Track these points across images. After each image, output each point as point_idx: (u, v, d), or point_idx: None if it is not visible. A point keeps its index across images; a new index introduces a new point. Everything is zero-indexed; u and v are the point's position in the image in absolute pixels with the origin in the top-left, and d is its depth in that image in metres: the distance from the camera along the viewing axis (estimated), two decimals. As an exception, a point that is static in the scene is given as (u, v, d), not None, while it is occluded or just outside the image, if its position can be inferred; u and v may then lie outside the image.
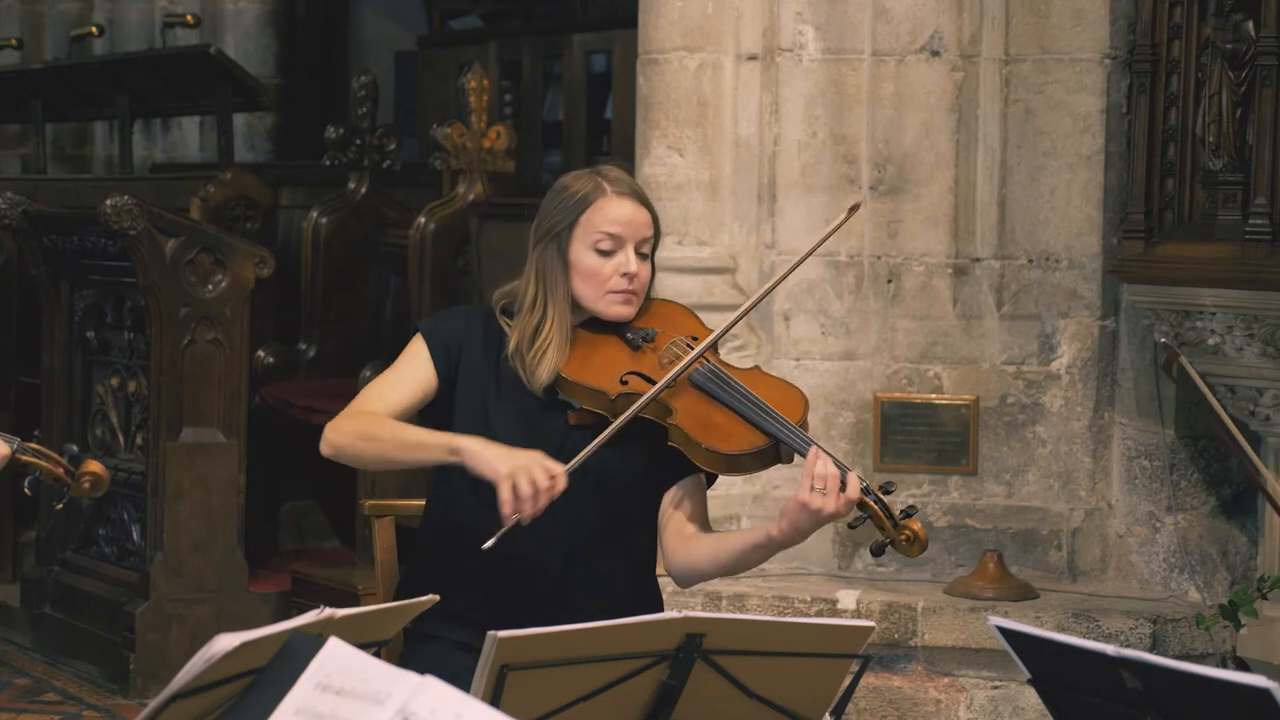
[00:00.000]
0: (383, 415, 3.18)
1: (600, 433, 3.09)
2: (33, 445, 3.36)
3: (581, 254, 3.20)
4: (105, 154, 9.61)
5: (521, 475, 2.97)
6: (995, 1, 5.03)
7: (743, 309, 3.29)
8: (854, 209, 3.32)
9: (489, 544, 3.00)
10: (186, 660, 2.09)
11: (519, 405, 3.21)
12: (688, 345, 3.22)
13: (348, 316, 6.95)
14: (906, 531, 3.02)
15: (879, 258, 5.10)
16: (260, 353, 6.72)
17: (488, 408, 3.22)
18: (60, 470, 3.36)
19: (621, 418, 3.09)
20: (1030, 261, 5.07)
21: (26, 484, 3.36)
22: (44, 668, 6.01)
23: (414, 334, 3.30)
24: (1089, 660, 2.34)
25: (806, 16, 5.11)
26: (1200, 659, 4.63)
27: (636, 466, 3.20)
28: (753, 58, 5.19)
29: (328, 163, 6.99)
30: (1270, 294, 4.33)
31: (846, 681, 2.73)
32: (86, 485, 3.37)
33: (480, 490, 3.09)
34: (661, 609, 3.28)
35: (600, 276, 3.20)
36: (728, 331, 3.21)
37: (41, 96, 8.85)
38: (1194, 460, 4.97)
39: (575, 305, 3.24)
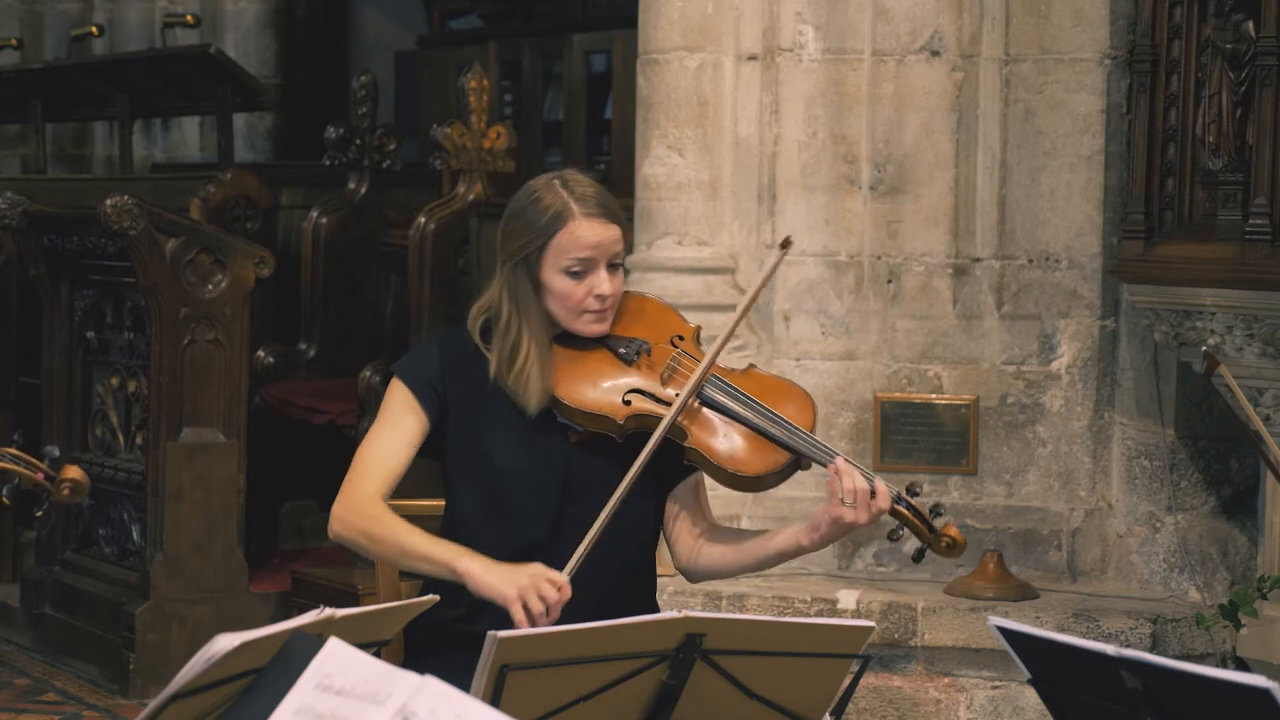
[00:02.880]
0: (385, 509, 3.14)
1: (603, 451, 3.08)
2: (11, 451, 3.32)
3: (553, 277, 3.15)
4: (105, 154, 9.60)
5: (531, 595, 2.95)
6: (995, 1, 5.03)
7: (740, 311, 3.25)
8: (785, 244, 3.28)
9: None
10: (186, 660, 2.09)
11: (516, 430, 3.16)
12: (686, 355, 3.19)
13: (348, 316, 6.94)
14: (945, 539, 3.07)
15: (879, 258, 5.10)
16: (260, 353, 6.72)
17: (484, 438, 3.17)
18: (40, 476, 3.32)
19: (642, 456, 3.03)
20: (1030, 261, 5.07)
21: (4, 492, 3.32)
22: (44, 668, 6.01)
23: (389, 378, 3.24)
24: (1089, 660, 2.34)
25: (806, 16, 5.11)
26: (1200, 659, 4.63)
27: (641, 481, 3.15)
28: (753, 58, 5.19)
29: (328, 163, 6.99)
30: (1270, 294, 4.33)
31: (846, 681, 2.73)
32: (66, 492, 3.34)
33: (494, 523, 3.11)
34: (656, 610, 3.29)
35: (574, 299, 3.15)
36: (728, 341, 3.17)
37: (41, 96, 8.84)
38: (1194, 460, 4.97)
39: (551, 319, 3.20)
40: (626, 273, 3.46)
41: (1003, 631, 2.47)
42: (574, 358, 3.18)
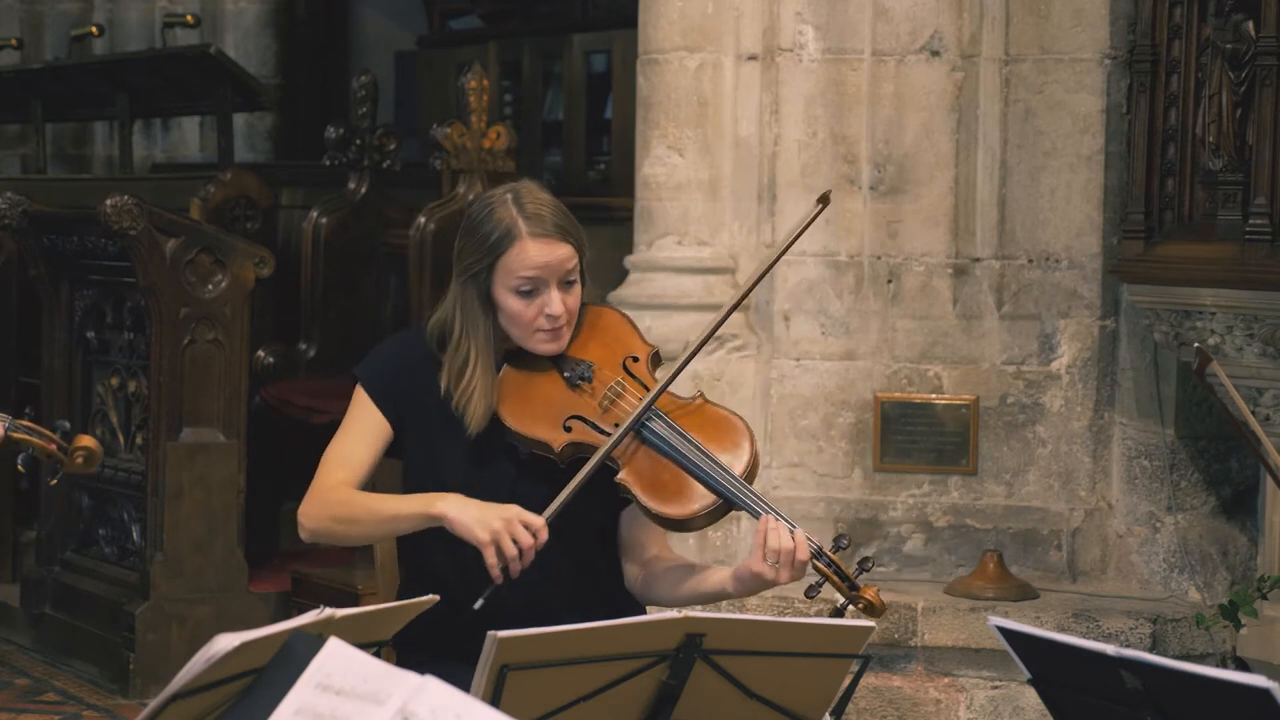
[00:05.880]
0: (349, 490, 3.14)
1: (550, 472, 3.06)
2: (24, 423, 3.36)
3: (503, 296, 3.12)
4: (105, 154, 9.59)
5: (505, 538, 2.96)
6: (995, 1, 5.03)
7: (692, 348, 3.16)
8: (824, 199, 3.25)
9: (478, 604, 2.96)
10: (186, 660, 2.09)
11: (467, 446, 3.15)
12: (632, 380, 3.14)
13: (348, 316, 6.93)
14: (862, 601, 3.00)
15: (879, 258, 5.10)
16: (260, 353, 6.71)
17: (436, 449, 3.17)
18: (53, 446, 3.36)
19: (567, 490, 3.01)
20: (1030, 261, 5.07)
21: (20, 461, 3.37)
22: (44, 668, 6.01)
23: (353, 383, 3.24)
24: (1089, 660, 2.34)
25: (806, 16, 5.11)
26: (1200, 659, 4.63)
27: (590, 504, 3.14)
28: (753, 58, 5.19)
29: (328, 163, 6.98)
30: (1270, 294, 4.33)
31: (846, 681, 2.73)
32: (80, 460, 3.38)
33: (450, 544, 3.06)
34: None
35: (525, 319, 3.12)
36: (673, 381, 3.11)
37: (41, 96, 8.83)
38: (1194, 460, 4.97)
39: (503, 335, 3.17)
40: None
41: (1003, 631, 2.47)
42: (522, 379, 3.16)
